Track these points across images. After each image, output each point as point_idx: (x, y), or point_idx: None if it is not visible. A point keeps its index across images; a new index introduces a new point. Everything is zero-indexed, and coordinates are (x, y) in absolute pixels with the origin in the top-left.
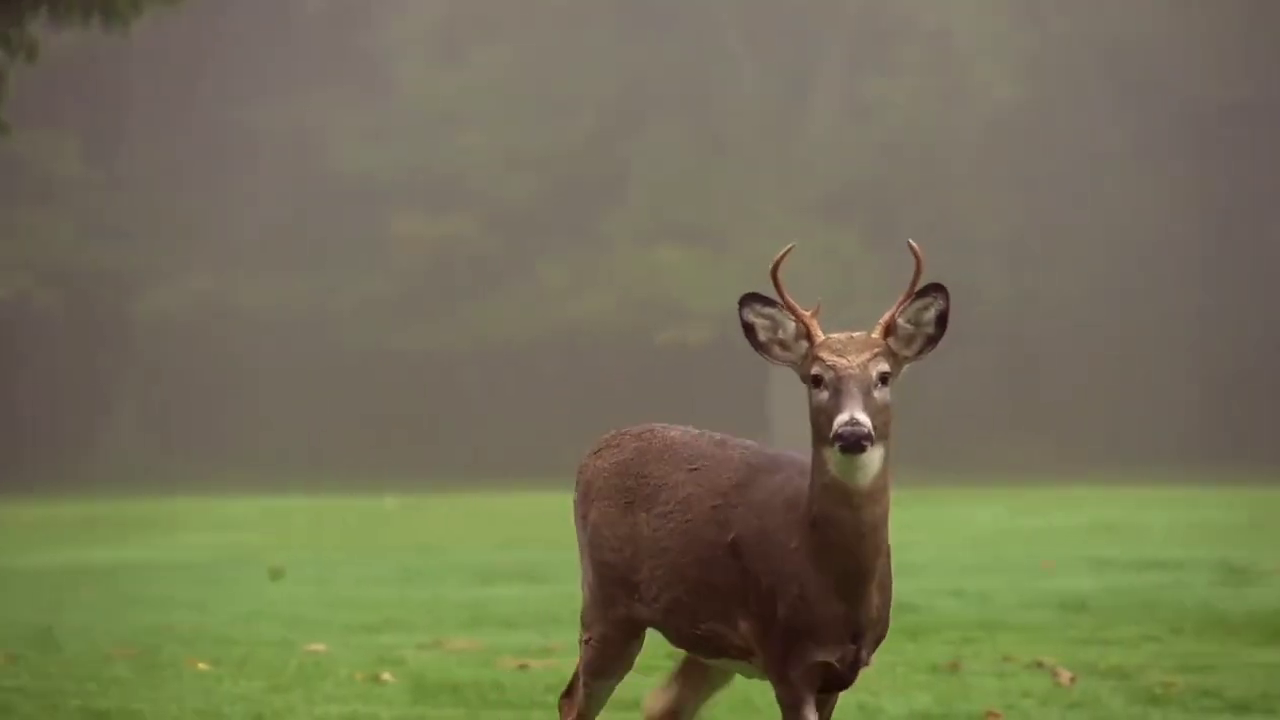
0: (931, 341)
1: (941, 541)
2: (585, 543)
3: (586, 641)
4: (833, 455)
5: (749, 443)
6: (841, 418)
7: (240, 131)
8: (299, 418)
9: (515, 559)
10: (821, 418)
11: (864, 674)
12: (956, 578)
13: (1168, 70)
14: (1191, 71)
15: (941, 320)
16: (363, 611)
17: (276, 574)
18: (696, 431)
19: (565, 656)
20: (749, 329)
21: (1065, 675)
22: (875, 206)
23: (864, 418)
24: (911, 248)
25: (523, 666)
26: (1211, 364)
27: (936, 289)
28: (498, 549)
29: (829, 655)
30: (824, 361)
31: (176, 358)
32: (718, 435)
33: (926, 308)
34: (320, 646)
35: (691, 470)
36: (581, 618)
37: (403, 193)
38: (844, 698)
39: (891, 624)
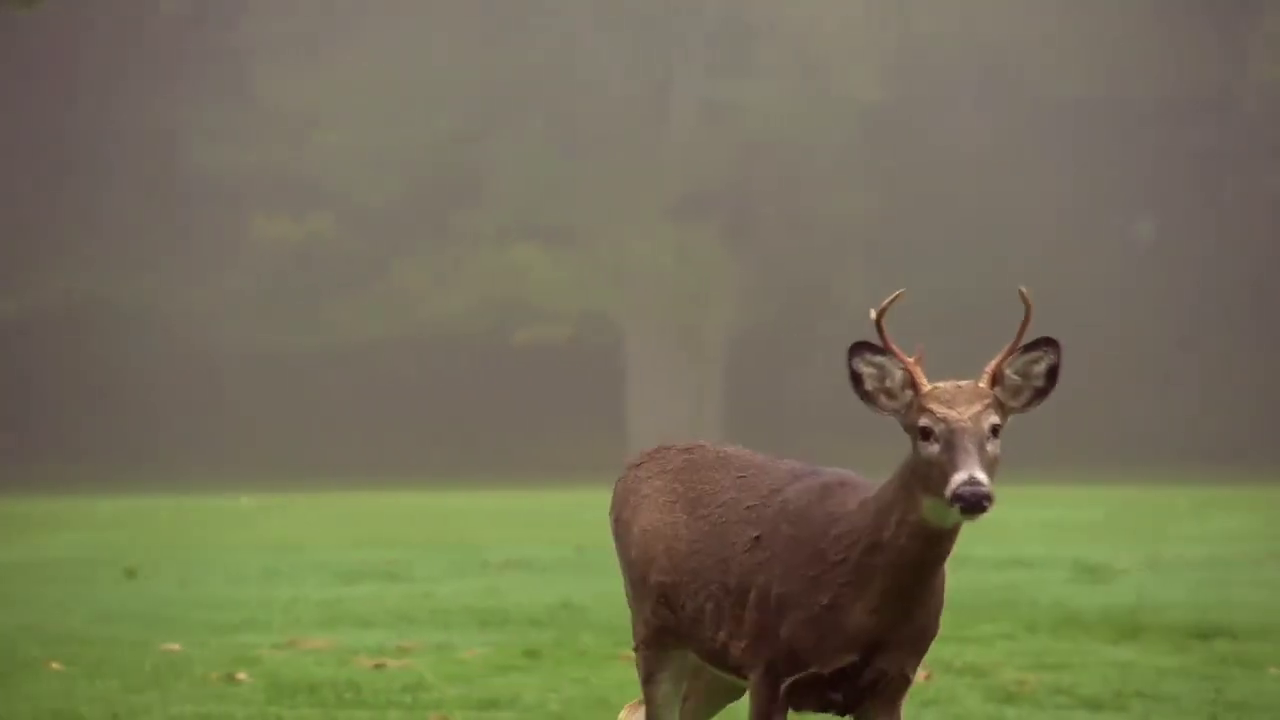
0: (1041, 394)
1: None
2: (618, 548)
3: (636, 649)
4: (934, 505)
5: (800, 461)
6: (960, 477)
7: (101, 131)
8: (158, 417)
9: (374, 558)
10: (933, 471)
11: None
12: None
13: (1031, 70)
14: (1054, 70)
15: (1052, 374)
16: (219, 611)
17: (131, 573)
18: (750, 451)
19: (421, 656)
20: (857, 379)
21: (921, 673)
22: (734, 208)
23: (984, 477)
24: (1023, 296)
25: (379, 666)
26: (1069, 365)
27: (1048, 343)
28: (357, 548)
29: (823, 666)
30: (933, 413)
31: (36, 357)
32: (774, 455)
33: (1037, 361)
34: (176, 646)
35: (738, 478)
36: (632, 625)
37: (262, 192)
38: None
39: None
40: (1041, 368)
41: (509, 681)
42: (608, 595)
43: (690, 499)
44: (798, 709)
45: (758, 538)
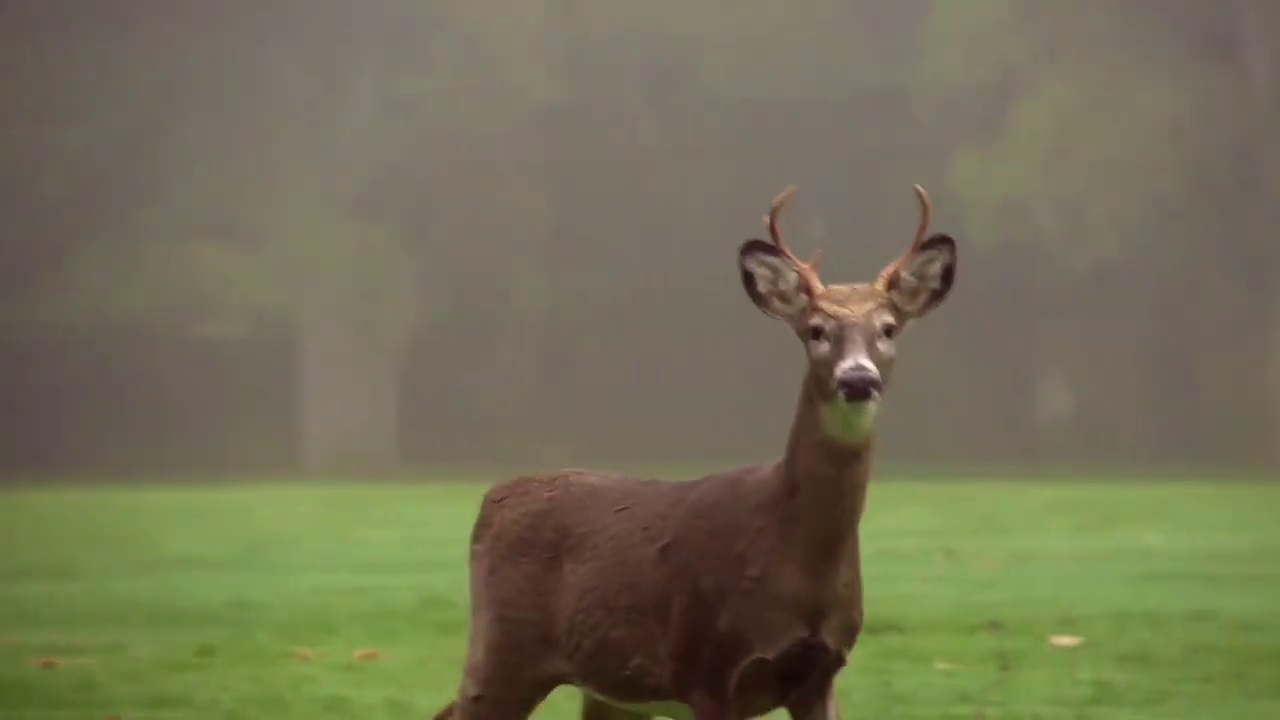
0: (936, 297)
1: None
2: (489, 598)
3: (476, 699)
4: (831, 411)
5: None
6: (846, 364)
7: None
8: None
9: (44, 556)
10: (822, 370)
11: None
12: None
13: (704, 69)
14: (727, 70)
15: (948, 275)
16: None
17: None
18: (618, 475)
19: (92, 655)
20: (749, 279)
21: None
22: (410, 203)
23: (869, 364)
24: (919, 194)
25: (48, 665)
26: (747, 362)
27: (943, 241)
28: (26, 545)
29: (770, 650)
30: (824, 311)
31: None
32: (643, 478)
33: (931, 260)
34: None
35: (619, 511)
36: (470, 672)
37: None
38: (373, 694)
39: (425, 618)
40: (936, 268)
41: (182, 680)
42: (282, 592)
43: (569, 547)
44: (751, 714)
45: (665, 546)
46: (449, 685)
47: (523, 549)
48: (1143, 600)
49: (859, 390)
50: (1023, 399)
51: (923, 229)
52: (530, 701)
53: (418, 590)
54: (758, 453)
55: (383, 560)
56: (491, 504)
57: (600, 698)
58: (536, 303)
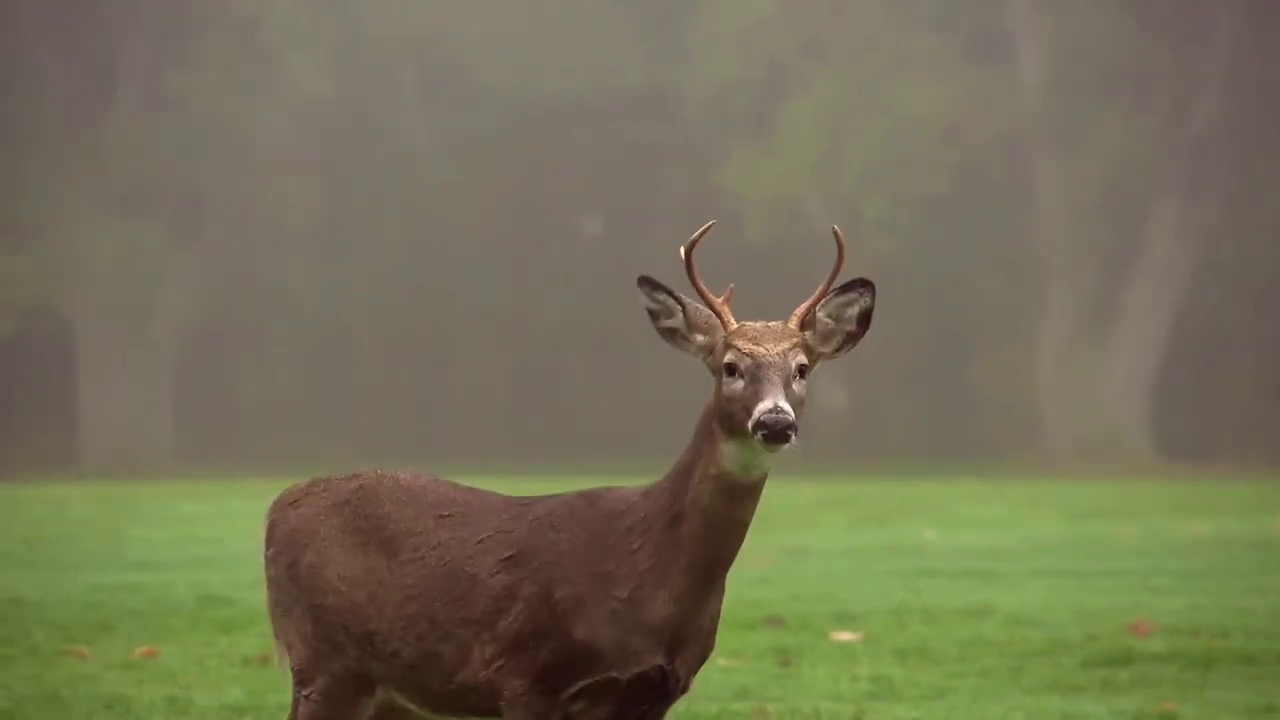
0: (852, 339)
1: (257, 533)
2: (297, 593)
3: (307, 697)
4: (735, 448)
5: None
6: (764, 405)
7: None
8: None
9: None
10: (735, 406)
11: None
12: None
13: (476, 66)
14: (500, 68)
15: (865, 318)
16: None
17: None
18: (428, 476)
19: None
20: (654, 315)
21: None
22: (181, 199)
23: (788, 406)
24: (836, 235)
25: None
26: (518, 359)
27: (863, 284)
28: None
29: (625, 671)
30: (739, 349)
31: None
32: (459, 483)
33: (850, 304)
34: None
35: (442, 517)
36: (296, 674)
37: None
38: (153, 691)
39: (203, 616)
40: (855, 310)
41: None
42: (58, 590)
43: (383, 540)
44: None
45: (510, 558)
46: (227, 683)
47: (327, 536)
48: (920, 596)
49: (777, 433)
50: None
51: (838, 267)
52: (355, 697)
53: (195, 588)
54: (532, 449)
55: (159, 558)
56: (284, 508)
57: (411, 708)
58: (310, 299)
